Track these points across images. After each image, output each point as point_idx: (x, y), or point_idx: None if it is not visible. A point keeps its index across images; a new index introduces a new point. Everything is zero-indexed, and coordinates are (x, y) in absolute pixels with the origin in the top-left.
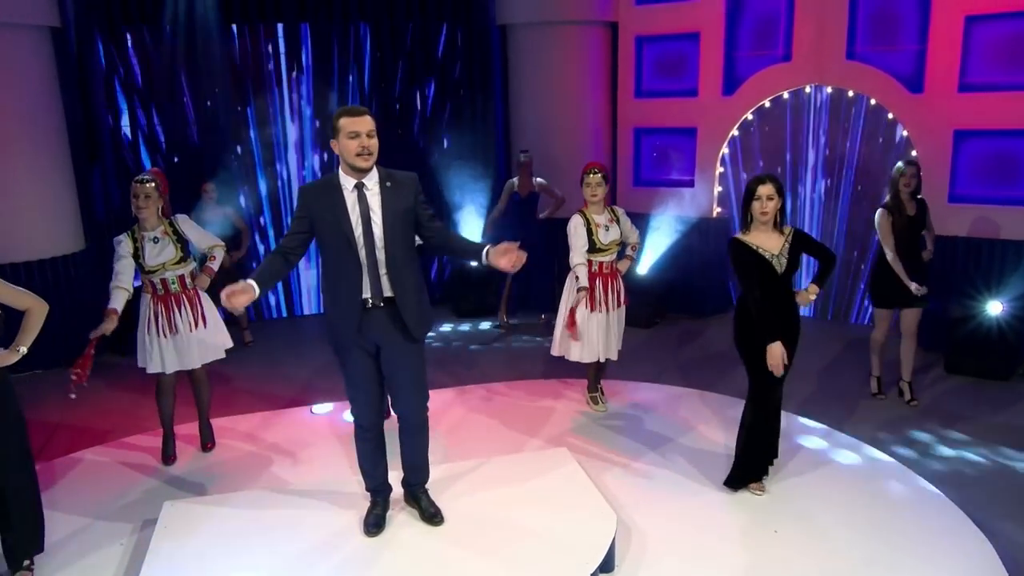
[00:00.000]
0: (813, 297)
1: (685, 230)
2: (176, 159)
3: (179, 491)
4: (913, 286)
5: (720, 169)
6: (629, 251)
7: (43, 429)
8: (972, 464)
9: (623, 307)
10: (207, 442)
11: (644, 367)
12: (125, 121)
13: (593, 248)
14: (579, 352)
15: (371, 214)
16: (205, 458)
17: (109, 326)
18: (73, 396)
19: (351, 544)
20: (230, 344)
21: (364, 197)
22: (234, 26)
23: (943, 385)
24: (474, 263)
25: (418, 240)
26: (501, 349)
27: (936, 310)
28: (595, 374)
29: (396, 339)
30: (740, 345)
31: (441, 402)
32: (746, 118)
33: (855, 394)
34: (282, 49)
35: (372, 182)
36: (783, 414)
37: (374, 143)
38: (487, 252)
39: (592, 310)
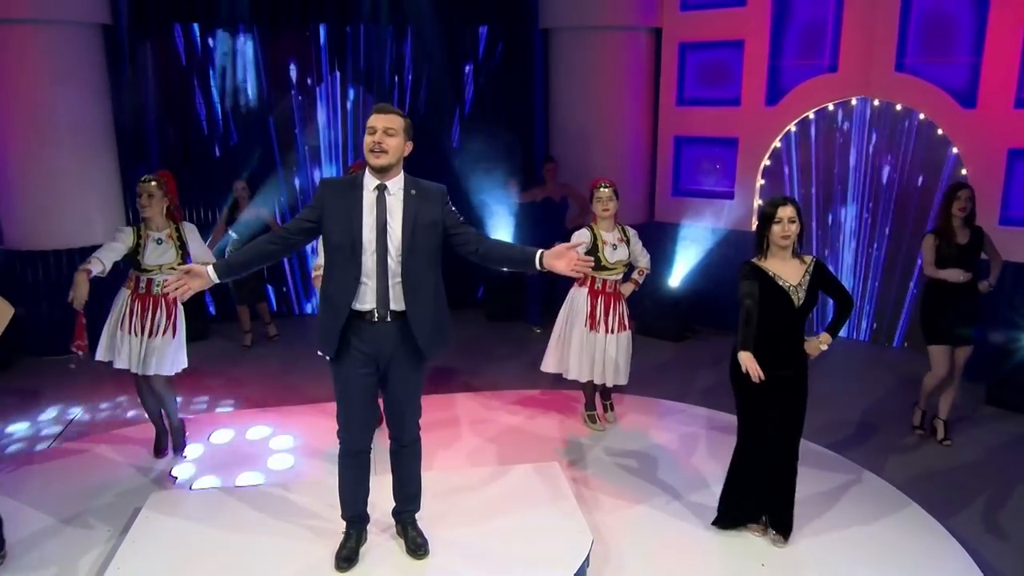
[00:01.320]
0: (824, 347)
1: (721, 243)
2: (218, 155)
3: (176, 482)
4: (960, 274)
5: (761, 182)
6: (636, 275)
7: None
8: (1001, 517)
9: (628, 332)
10: (180, 446)
11: (666, 383)
12: (171, 118)
13: (597, 266)
14: (577, 369)
15: (389, 219)
16: (209, 450)
17: (82, 290)
18: (73, 367)
19: (316, 560)
20: (185, 364)
21: (384, 200)
22: (276, 26)
23: (983, 422)
24: (530, 271)
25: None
26: (521, 356)
27: (980, 338)
28: (592, 392)
29: (403, 356)
30: (731, 380)
31: (447, 406)
32: (789, 130)
33: (877, 421)
34: (323, 50)
35: (396, 187)
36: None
37: (392, 141)
38: (541, 256)
39: (591, 329)
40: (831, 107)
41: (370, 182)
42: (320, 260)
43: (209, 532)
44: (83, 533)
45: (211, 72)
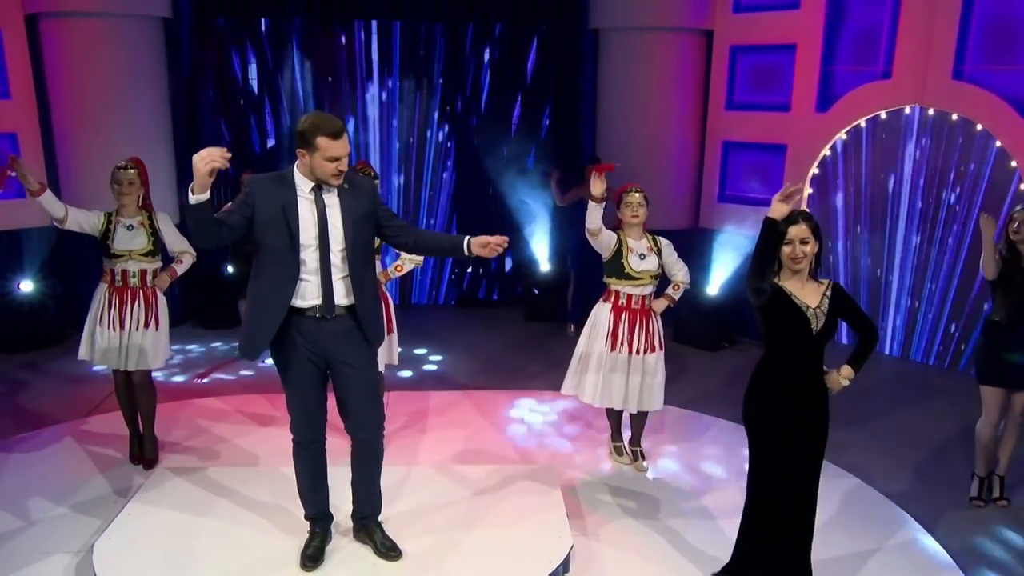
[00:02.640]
0: (846, 383)
1: None
2: (270, 147)
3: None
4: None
5: (809, 190)
6: (671, 290)
7: (99, 388)
8: None
9: (659, 353)
10: (148, 456)
11: (697, 393)
12: (225, 110)
13: (621, 274)
14: (592, 392)
15: (329, 216)
16: (213, 434)
17: (28, 173)
18: None
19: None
20: (167, 357)
21: (322, 200)
22: (328, 23)
23: None
24: (459, 257)
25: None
26: (553, 357)
27: None
28: (617, 420)
29: (350, 351)
30: (744, 420)
31: (463, 403)
32: (839, 138)
33: (926, 461)
34: (375, 46)
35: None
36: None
37: (347, 160)
38: (468, 244)
39: (612, 349)
40: (883, 115)
41: (304, 183)
42: None
43: (205, 511)
44: (98, 503)
45: (265, 66)
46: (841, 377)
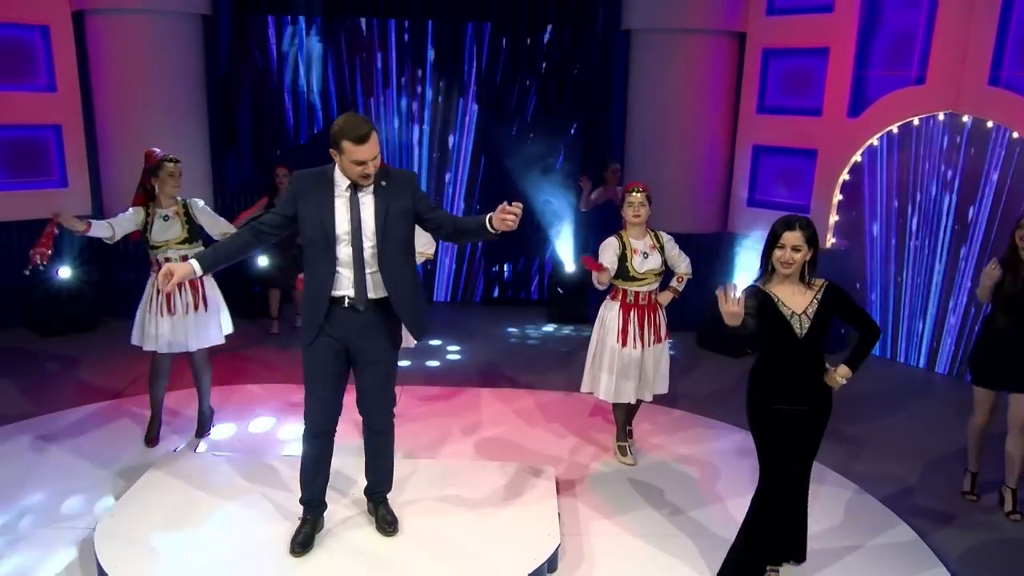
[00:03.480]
0: (843, 382)
1: None
2: (303, 142)
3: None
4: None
5: (839, 197)
6: (675, 282)
7: (127, 373)
8: None
9: (664, 343)
10: (203, 430)
11: (715, 401)
12: (261, 105)
13: (626, 276)
14: (606, 389)
15: (362, 213)
16: (239, 420)
17: (71, 219)
18: (27, 272)
19: (273, 561)
20: (230, 330)
21: (356, 198)
22: (362, 20)
23: None
24: (489, 238)
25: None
26: (573, 357)
27: None
28: (625, 419)
29: (374, 342)
30: (747, 417)
31: (475, 400)
32: (871, 143)
33: (943, 478)
34: (408, 44)
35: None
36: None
37: (379, 161)
38: (490, 221)
39: (623, 345)
40: (916, 121)
41: (342, 180)
42: None
43: (207, 494)
44: (115, 481)
45: (299, 63)
46: (839, 376)
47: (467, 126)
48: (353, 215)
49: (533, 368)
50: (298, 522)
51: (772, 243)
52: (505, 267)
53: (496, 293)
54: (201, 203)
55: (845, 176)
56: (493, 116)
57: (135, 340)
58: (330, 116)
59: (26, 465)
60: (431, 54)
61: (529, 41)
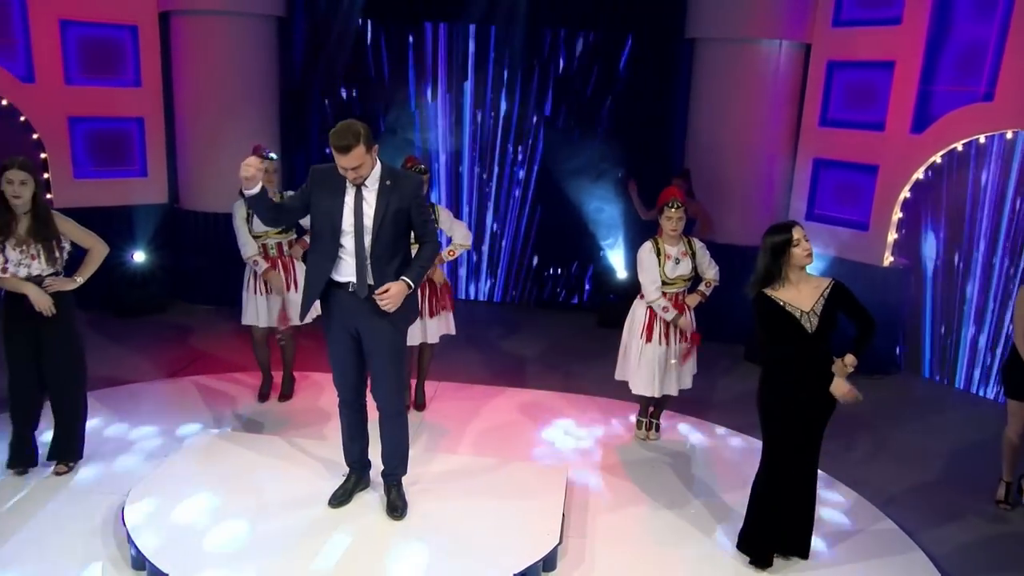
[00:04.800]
0: (850, 369)
1: (849, 275)
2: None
3: (246, 426)
4: None
5: (899, 214)
6: (703, 287)
7: (189, 353)
8: None
9: (691, 344)
10: (287, 392)
11: (745, 410)
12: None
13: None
14: (633, 382)
15: (365, 207)
16: (276, 405)
17: (276, 281)
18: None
19: (311, 509)
20: (316, 313)
21: (361, 195)
22: (428, 24)
23: None
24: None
25: None
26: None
27: None
28: (647, 404)
29: (375, 327)
30: (757, 402)
31: (506, 398)
32: (934, 161)
33: (963, 492)
34: (471, 49)
35: (372, 181)
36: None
37: (364, 169)
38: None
39: (648, 341)
40: (982, 140)
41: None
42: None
43: (234, 470)
44: (150, 454)
45: (366, 64)
46: (845, 364)
47: (522, 131)
48: (357, 210)
49: (573, 371)
50: (342, 479)
51: (783, 247)
52: (558, 271)
53: (552, 297)
54: (292, 194)
55: (906, 194)
56: (550, 122)
57: (244, 320)
58: (394, 117)
59: (90, 430)
60: (492, 59)
61: (592, 47)
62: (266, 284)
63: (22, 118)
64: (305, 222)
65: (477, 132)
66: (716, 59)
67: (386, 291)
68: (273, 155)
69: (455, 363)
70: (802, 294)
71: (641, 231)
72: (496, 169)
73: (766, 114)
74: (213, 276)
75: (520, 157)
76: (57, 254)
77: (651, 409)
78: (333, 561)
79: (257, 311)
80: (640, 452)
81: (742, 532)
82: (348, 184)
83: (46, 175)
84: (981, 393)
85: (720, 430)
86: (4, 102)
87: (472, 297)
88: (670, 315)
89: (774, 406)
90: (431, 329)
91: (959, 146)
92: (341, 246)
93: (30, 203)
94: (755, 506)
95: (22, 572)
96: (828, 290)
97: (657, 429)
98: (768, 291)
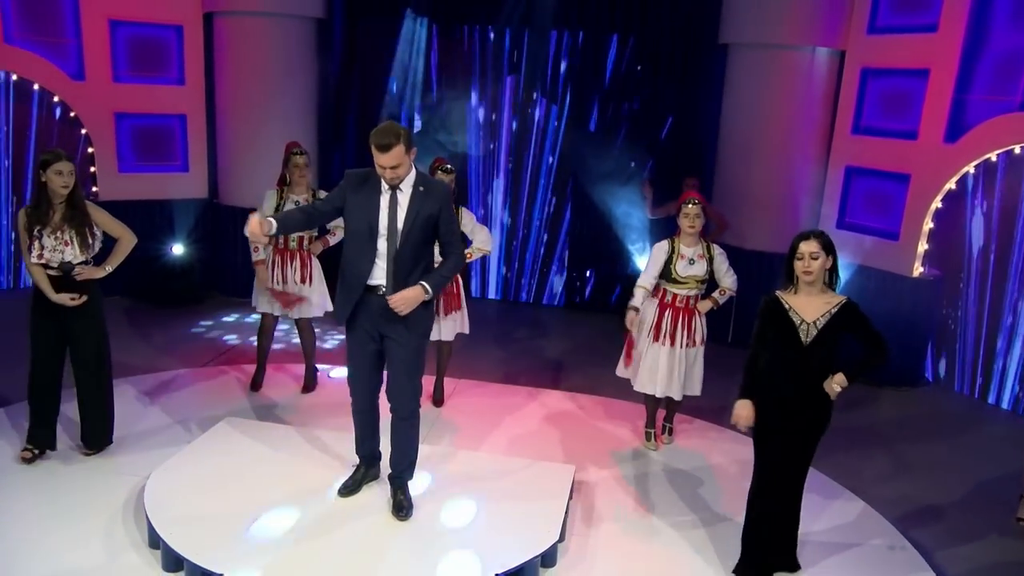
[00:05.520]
0: (838, 389)
1: (878, 285)
2: None
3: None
4: None
5: (929, 225)
6: (717, 294)
7: (221, 344)
8: None
9: (699, 348)
10: (310, 383)
11: None
12: (364, 105)
13: (668, 277)
14: (636, 379)
15: (398, 211)
16: (299, 397)
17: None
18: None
19: (319, 499)
20: (329, 308)
21: (396, 197)
22: (465, 27)
23: None
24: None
25: None
26: None
27: None
28: (654, 409)
29: (397, 330)
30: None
31: (520, 397)
32: (967, 171)
33: (984, 510)
34: (506, 52)
35: (407, 186)
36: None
37: (402, 170)
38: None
39: (655, 340)
40: (1017, 150)
41: (385, 182)
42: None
43: (251, 457)
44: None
45: (405, 65)
46: (834, 383)
47: (553, 134)
48: (391, 213)
49: (595, 373)
50: (352, 469)
51: (791, 256)
52: (587, 273)
53: (578, 299)
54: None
55: (938, 203)
56: (580, 125)
57: (253, 303)
58: (428, 118)
59: (122, 416)
60: (525, 63)
61: (625, 51)
62: (282, 272)
63: (72, 114)
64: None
65: (509, 134)
66: (749, 64)
67: (400, 295)
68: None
69: (478, 361)
70: (811, 305)
71: (667, 235)
72: (528, 171)
73: (798, 120)
74: (249, 270)
75: (551, 160)
76: (90, 241)
77: (661, 414)
78: (335, 548)
79: (269, 300)
80: (653, 457)
81: (740, 558)
82: (384, 187)
83: (92, 169)
84: (1006, 407)
85: (736, 436)
86: (56, 98)
87: (499, 297)
88: (635, 301)
89: (758, 415)
90: (445, 328)
91: (993, 156)
92: (376, 250)
93: (69, 193)
94: (747, 525)
95: (46, 544)
96: (837, 307)
97: (670, 433)
98: (780, 293)
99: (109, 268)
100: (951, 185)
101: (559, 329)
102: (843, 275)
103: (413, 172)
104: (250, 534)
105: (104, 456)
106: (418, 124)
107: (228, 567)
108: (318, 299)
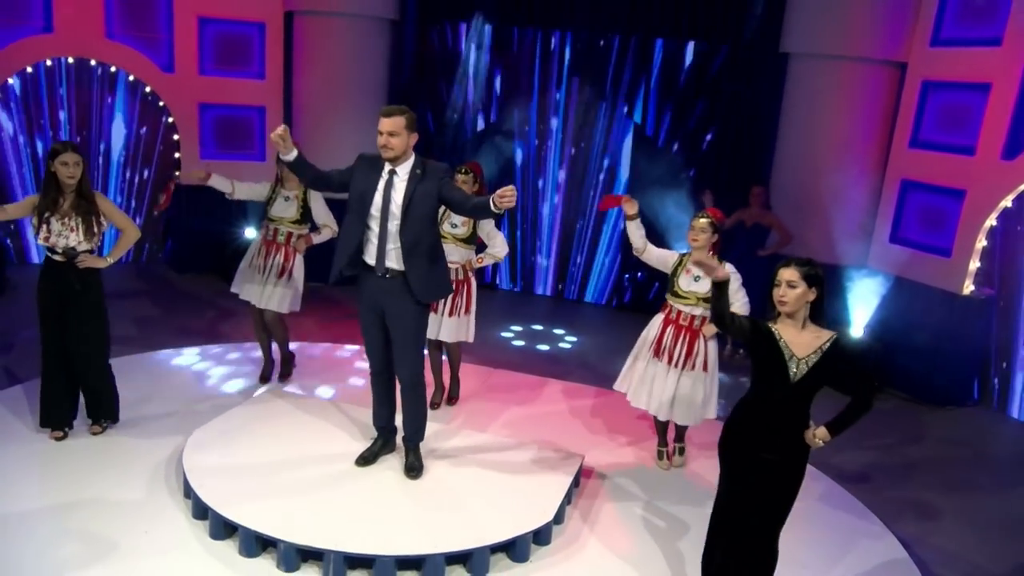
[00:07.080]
0: (820, 443)
1: (928, 302)
2: (463, 141)
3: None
4: None
5: (983, 242)
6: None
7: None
8: None
9: (699, 373)
10: (286, 372)
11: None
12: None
13: (671, 290)
14: (631, 392)
15: (393, 194)
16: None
17: (190, 175)
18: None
19: (337, 466)
20: (296, 308)
21: (392, 181)
22: (529, 29)
23: None
24: (492, 216)
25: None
26: None
27: None
28: (663, 428)
29: (396, 305)
30: (718, 449)
31: (537, 388)
32: None
33: (988, 521)
34: (568, 56)
35: (404, 171)
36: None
37: (396, 140)
38: (492, 201)
39: (655, 356)
40: None
41: (387, 165)
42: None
43: (282, 426)
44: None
45: (470, 67)
46: (816, 437)
47: (610, 137)
48: (386, 196)
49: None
50: (370, 441)
51: (771, 281)
52: (638, 275)
53: (627, 299)
54: (318, 195)
55: (992, 221)
56: (637, 129)
57: (234, 288)
58: (491, 118)
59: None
60: (584, 67)
61: (686, 58)
62: (265, 261)
63: (160, 103)
64: (316, 219)
65: (567, 136)
66: (810, 74)
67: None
68: None
69: (512, 354)
70: (801, 339)
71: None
72: (585, 174)
73: (856, 132)
74: (311, 254)
75: (607, 163)
76: (96, 229)
77: (670, 433)
78: (347, 507)
79: (242, 283)
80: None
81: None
82: (384, 172)
83: (177, 155)
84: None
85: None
86: (148, 89)
87: (552, 294)
88: (631, 214)
89: (726, 450)
90: (446, 327)
91: None
92: (368, 227)
93: (77, 182)
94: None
95: (86, 496)
96: (828, 344)
97: (681, 453)
98: (771, 323)
99: (110, 259)
100: (1007, 203)
101: (602, 328)
102: (893, 291)
103: (412, 157)
104: (274, 491)
105: (154, 421)
106: (481, 124)
107: (243, 518)
108: (286, 298)
